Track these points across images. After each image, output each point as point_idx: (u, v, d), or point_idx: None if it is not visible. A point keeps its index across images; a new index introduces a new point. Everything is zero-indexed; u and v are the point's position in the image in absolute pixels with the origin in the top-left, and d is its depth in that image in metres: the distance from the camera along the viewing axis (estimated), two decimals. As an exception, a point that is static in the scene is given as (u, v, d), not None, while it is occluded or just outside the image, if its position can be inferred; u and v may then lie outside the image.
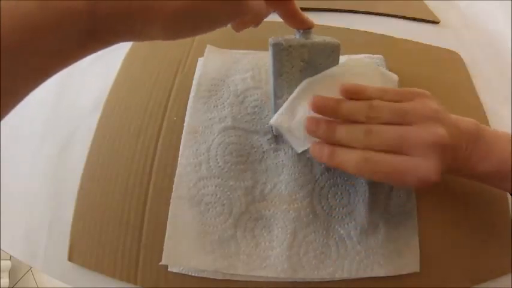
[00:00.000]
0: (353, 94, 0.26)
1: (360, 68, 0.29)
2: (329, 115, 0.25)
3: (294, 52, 0.27)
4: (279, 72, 0.27)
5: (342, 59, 0.38)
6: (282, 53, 0.26)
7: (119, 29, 0.18)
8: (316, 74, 0.28)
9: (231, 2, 0.20)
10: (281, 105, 0.29)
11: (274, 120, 0.28)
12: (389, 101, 0.25)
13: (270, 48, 0.27)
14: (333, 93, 0.26)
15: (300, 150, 0.28)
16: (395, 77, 0.30)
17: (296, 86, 0.28)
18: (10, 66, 0.15)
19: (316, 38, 0.27)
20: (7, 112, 0.17)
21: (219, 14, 0.20)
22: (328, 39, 0.27)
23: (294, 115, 0.27)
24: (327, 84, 0.27)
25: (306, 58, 0.27)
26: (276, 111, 0.29)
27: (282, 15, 0.25)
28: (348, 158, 0.23)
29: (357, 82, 0.27)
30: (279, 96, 0.29)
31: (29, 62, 0.16)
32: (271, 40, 0.27)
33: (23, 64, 0.16)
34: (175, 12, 0.18)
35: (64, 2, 0.15)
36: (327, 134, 0.25)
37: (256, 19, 0.24)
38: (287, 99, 0.28)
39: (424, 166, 0.22)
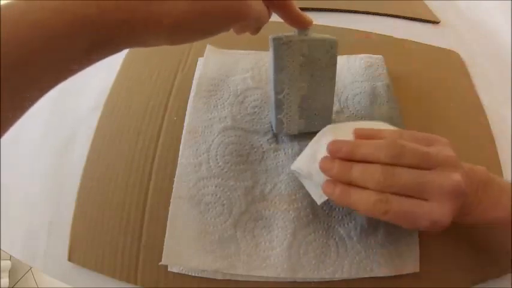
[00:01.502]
0: (367, 138, 0.25)
1: (378, 126, 0.28)
2: (347, 156, 0.24)
3: (294, 46, 0.27)
4: (279, 67, 0.28)
5: (342, 59, 0.39)
6: (282, 47, 0.27)
7: (126, 36, 0.18)
8: (316, 69, 0.28)
9: (233, 8, 0.20)
10: (282, 101, 0.29)
11: (296, 164, 0.27)
12: None
13: (271, 43, 0.27)
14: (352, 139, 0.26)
15: (320, 201, 0.26)
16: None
17: (296, 81, 0.28)
18: (21, 73, 0.15)
19: (315, 34, 0.28)
20: (15, 121, 0.17)
21: (221, 19, 0.20)
22: (326, 36, 0.28)
23: (315, 160, 0.26)
24: (348, 131, 0.26)
25: (305, 53, 0.27)
26: (276, 107, 0.30)
27: (281, 16, 0.25)
28: (361, 198, 0.23)
29: None
30: (279, 92, 0.29)
31: (38, 71, 0.16)
32: (271, 36, 0.27)
33: (32, 72, 0.16)
34: (179, 19, 0.18)
35: (77, 10, 0.16)
36: (342, 172, 0.24)
37: (258, 23, 0.24)
38: (287, 94, 0.29)
39: (439, 211, 0.22)
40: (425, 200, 0.22)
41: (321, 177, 0.25)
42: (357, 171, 0.23)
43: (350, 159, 0.24)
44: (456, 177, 0.22)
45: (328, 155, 0.25)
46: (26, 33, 0.15)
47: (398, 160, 0.23)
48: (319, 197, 0.26)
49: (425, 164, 0.23)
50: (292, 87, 0.29)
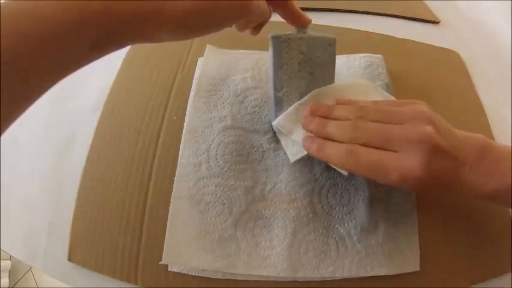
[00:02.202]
0: (346, 104, 0.28)
1: (361, 87, 0.31)
2: (323, 116, 0.27)
3: (293, 44, 0.28)
4: (278, 64, 0.28)
5: (342, 58, 0.39)
6: (281, 45, 0.28)
7: (131, 31, 0.18)
8: (314, 67, 0.29)
9: (237, 4, 0.20)
10: (281, 98, 0.29)
11: (278, 121, 0.28)
12: None
13: (270, 41, 0.28)
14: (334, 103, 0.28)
15: (293, 159, 0.28)
16: (391, 97, 0.31)
17: (295, 78, 0.29)
18: (30, 65, 0.15)
19: (313, 33, 0.28)
20: (19, 114, 0.17)
21: (225, 15, 0.21)
22: (325, 34, 0.29)
23: (297, 119, 0.28)
24: (331, 96, 0.29)
25: (304, 50, 0.28)
26: (276, 104, 0.30)
27: (282, 14, 0.26)
28: (334, 150, 0.24)
29: (357, 98, 0.28)
30: (278, 89, 0.29)
31: (46, 63, 0.16)
32: (270, 34, 0.28)
33: (41, 64, 0.16)
34: (185, 14, 0.19)
35: (83, 6, 0.16)
36: (318, 127, 0.26)
37: (259, 19, 0.25)
38: (287, 92, 0.29)
39: (406, 161, 0.22)
40: (395, 151, 0.23)
41: (299, 135, 0.28)
42: (331, 126, 0.25)
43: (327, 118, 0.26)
44: (425, 128, 0.22)
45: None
46: (32, 28, 0.15)
47: (366, 116, 0.25)
48: (293, 155, 0.28)
49: (392, 119, 0.24)
50: (292, 84, 0.29)
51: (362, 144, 0.24)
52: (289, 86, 0.29)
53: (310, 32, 0.28)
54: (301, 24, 0.27)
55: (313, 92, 0.29)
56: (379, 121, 0.24)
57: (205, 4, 0.19)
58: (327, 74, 0.30)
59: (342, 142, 0.24)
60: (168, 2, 0.18)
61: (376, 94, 0.30)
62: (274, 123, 0.29)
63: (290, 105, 0.30)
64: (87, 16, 0.16)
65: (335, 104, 0.28)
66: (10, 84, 0.15)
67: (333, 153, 0.24)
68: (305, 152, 0.27)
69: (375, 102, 0.27)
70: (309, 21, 0.27)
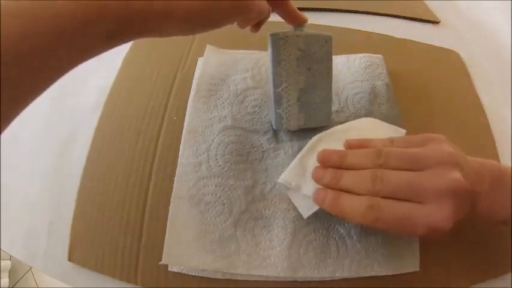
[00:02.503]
0: (357, 147, 0.26)
1: (367, 124, 0.30)
2: (336, 166, 0.24)
3: (291, 41, 0.28)
4: (277, 60, 0.29)
5: (342, 58, 0.39)
6: (279, 42, 0.28)
7: (142, 27, 0.19)
8: (312, 63, 0.29)
9: (238, 2, 0.22)
10: (280, 94, 0.29)
11: (283, 177, 0.27)
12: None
13: (269, 39, 0.29)
14: (341, 148, 0.27)
15: (306, 214, 0.26)
16: (402, 130, 0.29)
17: (294, 74, 0.29)
18: (43, 57, 0.16)
19: (310, 30, 0.29)
20: (26, 105, 0.17)
21: (228, 11, 0.22)
22: (321, 32, 0.30)
23: (304, 172, 0.27)
24: (335, 140, 0.27)
25: (301, 47, 0.29)
26: (275, 101, 0.30)
27: (279, 13, 0.28)
28: (352, 205, 0.22)
29: (364, 137, 0.26)
30: (277, 85, 0.29)
31: (61, 55, 0.17)
32: (269, 32, 0.29)
33: (54, 56, 0.16)
34: (192, 10, 0.20)
35: (100, 2, 0.16)
36: (333, 180, 0.23)
37: (260, 17, 0.25)
38: (286, 87, 0.29)
39: (436, 214, 0.20)
40: (421, 203, 0.21)
41: (310, 189, 0.25)
42: (347, 178, 0.23)
43: (340, 168, 0.24)
44: (454, 174, 0.21)
45: (318, 164, 0.25)
46: (45, 23, 0.15)
47: (385, 164, 0.22)
48: (306, 210, 0.26)
49: (416, 165, 0.22)
50: (290, 80, 0.29)
51: (384, 197, 0.21)
52: (288, 81, 0.29)
53: (307, 30, 0.29)
54: (298, 22, 0.28)
55: (314, 138, 0.28)
56: (401, 168, 0.22)
57: (210, 2, 0.20)
58: (325, 70, 0.30)
59: (359, 194, 0.22)
60: (176, 1, 0.19)
61: (383, 128, 0.29)
62: (280, 180, 0.27)
63: (289, 101, 0.30)
64: (99, 12, 0.17)
65: (344, 147, 0.26)
66: (22, 74, 0.15)
67: (351, 208, 0.22)
68: (318, 206, 0.25)
69: (391, 141, 0.24)
70: (305, 20, 0.28)
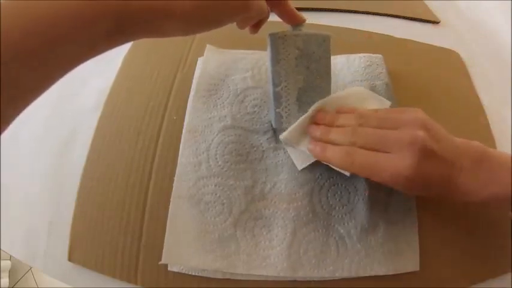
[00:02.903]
0: (347, 112, 0.30)
1: (360, 94, 0.32)
2: (328, 125, 0.29)
3: (289, 40, 0.29)
4: (276, 59, 0.29)
5: (342, 58, 0.39)
6: (278, 41, 0.29)
7: (143, 26, 0.19)
8: (311, 62, 0.30)
9: (238, 2, 0.22)
10: (279, 94, 0.30)
11: (287, 134, 0.30)
12: None
13: (268, 39, 0.29)
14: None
15: (301, 166, 0.30)
16: (388, 102, 0.32)
17: (292, 73, 0.30)
18: (44, 56, 0.16)
19: (308, 30, 0.30)
20: (26, 105, 0.18)
21: (228, 10, 0.22)
22: (319, 31, 0.30)
23: (303, 132, 0.30)
24: (332, 106, 0.31)
25: (300, 46, 0.29)
26: (274, 100, 0.30)
27: (278, 13, 0.28)
28: (334, 152, 0.27)
29: (355, 105, 0.30)
30: (276, 84, 0.30)
31: (61, 55, 0.17)
32: (268, 32, 0.29)
33: (54, 56, 0.16)
34: (192, 9, 0.20)
35: (100, 2, 0.17)
36: (322, 134, 0.28)
37: (259, 17, 0.26)
38: (285, 87, 0.30)
39: (398, 162, 0.24)
40: (388, 153, 0.24)
41: (306, 145, 0.30)
42: (334, 133, 0.28)
43: (331, 127, 0.29)
44: (417, 132, 0.24)
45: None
46: (44, 22, 0.15)
47: (365, 123, 0.27)
48: (301, 162, 0.31)
49: (389, 124, 0.26)
50: (289, 79, 0.30)
51: (359, 147, 0.26)
52: (287, 81, 0.30)
53: (306, 30, 0.29)
54: (297, 22, 0.29)
55: (316, 104, 0.30)
56: (377, 127, 0.26)
57: (210, 2, 0.21)
58: (323, 69, 0.31)
59: (342, 145, 0.27)
60: (178, 1, 0.19)
61: (374, 100, 0.32)
62: (281, 137, 0.30)
63: (289, 100, 0.30)
64: (102, 10, 0.17)
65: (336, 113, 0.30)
66: (23, 73, 0.16)
67: (333, 154, 0.27)
68: (312, 159, 0.30)
69: (375, 111, 0.28)
70: (304, 20, 0.29)
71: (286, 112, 0.30)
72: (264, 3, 0.25)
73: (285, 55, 0.29)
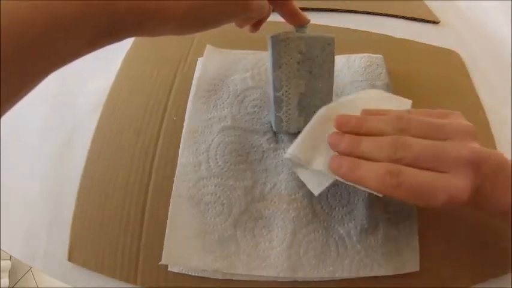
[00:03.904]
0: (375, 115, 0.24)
1: (373, 95, 0.29)
2: (353, 132, 0.23)
3: (292, 44, 0.28)
4: (277, 63, 0.28)
5: (342, 58, 0.39)
6: (280, 44, 0.27)
7: (133, 26, 0.18)
8: (313, 66, 0.29)
9: (237, 1, 0.21)
10: (280, 98, 0.29)
11: (291, 151, 0.25)
12: None
13: (269, 41, 0.28)
14: None
15: (317, 190, 0.24)
16: (408, 101, 0.29)
17: (294, 78, 0.29)
18: (27, 57, 0.15)
19: (312, 32, 0.28)
20: (12, 105, 0.17)
21: (226, 12, 0.21)
22: (323, 33, 0.29)
23: (314, 145, 0.25)
24: (345, 111, 0.25)
25: (303, 50, 0.28)
26: (275, 104, 0.30)
27: (280, 12, 0.27)
28: (370, 171, 0.21)
29: (371, 107, 0.26)
30: (278, 89, 0.29)
31: (45, 54, 0.16)
32: (269, 34, 0.28)
33: (39, 55, 0.16)
34: (187, 10, 0.19)
35: (82, 2, 0.16)
36: (351, 146, 0.22)
37: (259, 16, 0.24)
38: (286, 92, 0.29)
39: (457, 184, 0.20)
40: (442, 172, 0.20)
41: (320, 162, 0.24)
42: (367, 143, 0.22)
43: (357, 134, 0.23)
44: (474, 145, 0.20)
45: (334, 132, 0.24)
46: (30, 18, 0.14)
47: (407, 132, 0.21)
48: (317, 186, 0.24)
49: (438, 134, 0.21)
50: (291, 84, 0.29)
51: (406, 164, 0.20)
52: (288, 85, 0.29)
53: (309, 31, 0.28)
54: (300, 23, 0.28)
55: (322, 110, 0.26)
56: (423, 136, 0.21)
57: (206, 1, 0.19)
58: (326, 73, 0.30)
59: (379, 161, 0.21)
60: (171, 0, 0.18)
61: (390, 99, 0.28)
62: (287, 155, 0.25)
63: (289, 104, 0.30)
64: (87, 10, 0.16)
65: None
66: (9, 73, 0.15)
67: (369, 174, 0.21)
68: (331, 180, 0.24)
69: (409, 112, 0.24)
70: (308, 21, 0.28)
71: (286, 116, 0.30)
72: (265, 3, 0.24)
73: (286, 59, 0.28)
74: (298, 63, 0.28)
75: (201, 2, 0.19)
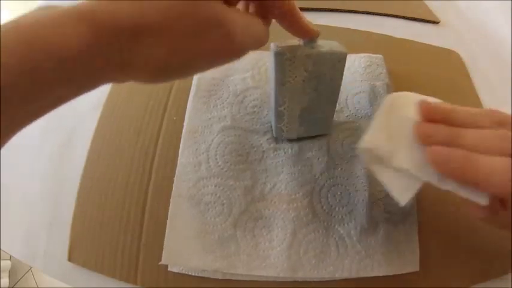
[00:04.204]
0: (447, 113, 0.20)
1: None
2: (443, 121, 0.19)
3: (298, 62, 0.25)
4: (281, 81, 0.26)
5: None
6: (285, 62, 0.25)
7: (101, 78, 0.17)
8: (320, 83, 0.27)
9: (223, 49, 0.17)
10: (283, 112, 0.29)
11: (369, 138, 0.21)
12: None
13: (272, 57, 0.25)
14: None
15: (405, 198, 0.20)
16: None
17: (298, 95, 0.27)
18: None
19: (322, 46, 0.25)
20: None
21: (207, 62, 0.18)
22: (335, 47, 0.25)
23: (390, 138, 0.20)
24: (412, 104, 0.21)
25: (310, 68, 0.25)
26: (276, 117, 0.29)
27: (285, 27, 0.22)
28: (492, 165, 0.17)
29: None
30: (280, 104, 0.28)
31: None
32: (273, 47, 0.24)
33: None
34: (159, 66, 0.17)
35: (57, 46, 0.14)
36: (451, 136, 0.18)
37: (256, 48, 0.20)
38: (288, 106, 0.28)
39: None
40: None
41: (403, 160, 0.19)
42: (473, 134, 0.18)
43: (447, 122, 0.19)
44: None
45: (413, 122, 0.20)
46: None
47: (506, 126, 0.18)
48: (404, 192, 0.20)
49: None
50: (294, 99, 0.28)
51: None
52: (291, 101, 0.28)
53: (318, 41, 0.25)
54: (310, 37, 0.24)
55: (387, 99, 0.22)
56: None
57: (184, 54, 0.16)
58: (332, 89, 0.28)
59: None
60: (140, 57, 0.16)
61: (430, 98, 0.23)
62: (364, 145, 0.21)
63: (291, 117, 0.29)
64: (57, 60, 0.14)
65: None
66: None
67: (491, 170, 0.17)
68: (420, 182, 0.20)
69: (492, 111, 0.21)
70: (318, 34, 0.23)
71: (287, 127, 0.30)
72: (262, 31, 0.19)
73: (291, 78, 0.26)
74: (304, 80, 0.26)
75: (176, 57, 0.16)
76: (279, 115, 0.29)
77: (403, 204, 0.20)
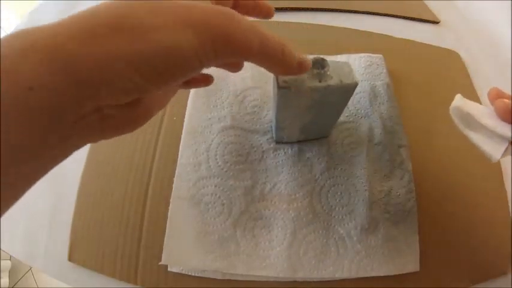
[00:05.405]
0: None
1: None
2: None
3: (304, 94, 0.23)
4: (284, 107, 0.25)
5: (342, 58, 0.39)
6: (290, 95, 0.23)
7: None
8: (324, 108, 0.26)
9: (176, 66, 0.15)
10: (284, 127, 0.28)
11: (459, 99, 0.23)
12: None
13: (276, 90, 0.23)
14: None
15: (497, 153, 0.21)
16: None
17: (301, 115, 0.26)
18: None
19: (331, 73, 0.23)
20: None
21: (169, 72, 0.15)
22: (345, 77, 0.23)
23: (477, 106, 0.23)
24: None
25: (316, 98, 0.24)
26: (277, 129, 0.29)
27: (243, 12, 0.20)
28: None
29: None
30: (281, 122, 0.28)
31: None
32: (277, 81, 0.22)
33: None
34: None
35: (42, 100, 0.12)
36: None
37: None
38: (289, 124, 0.28)
39: None
40: None
41: (490, 123, 0.21)
42: None
43: None
44: None
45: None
46: None
47: None
48: (496, 149, 0.21)
49: None
50: (295, 119, 0.27)
51: None
52: (293, 120, 0.27)
53: (328, 70, 0.22)
54: (264, 15, 0.22)
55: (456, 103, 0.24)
56: None
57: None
58: (336, 112, 0.28)
59: None
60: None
61: None
62: (455, 105, 0.23)
63: (292, 130, 0.29)
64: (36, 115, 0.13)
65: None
66: None
67: None
68: (506, 140, 0.21)
69: None
70: (272, 13, 0.22)
71: (288, 136, 0.31)
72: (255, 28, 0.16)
73: (295, 106, 0.25)
74: (308, 108, 0.25)
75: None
76: (280, 128, 0.29)
77: (496, 160, 0.22)
